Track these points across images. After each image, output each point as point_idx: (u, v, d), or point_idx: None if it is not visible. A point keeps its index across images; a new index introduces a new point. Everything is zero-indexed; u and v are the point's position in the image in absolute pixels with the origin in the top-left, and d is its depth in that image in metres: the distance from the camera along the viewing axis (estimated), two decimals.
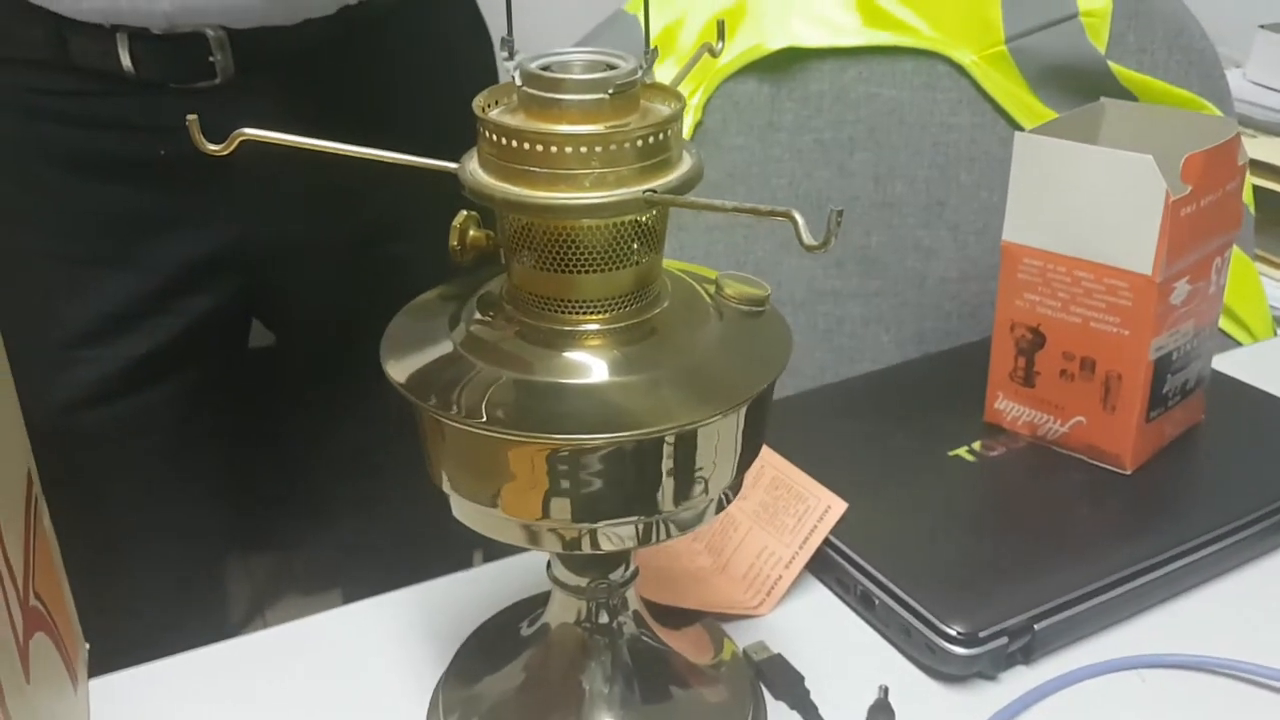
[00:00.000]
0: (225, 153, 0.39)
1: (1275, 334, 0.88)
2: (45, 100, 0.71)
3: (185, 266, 0.75)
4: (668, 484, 0.39)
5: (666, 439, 0.38)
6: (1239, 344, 0.84)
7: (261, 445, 0.93)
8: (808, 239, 0.31)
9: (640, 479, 0.38)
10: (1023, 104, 0.82)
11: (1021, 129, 0.82)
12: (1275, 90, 1.05)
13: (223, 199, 0.72)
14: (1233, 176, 0.59)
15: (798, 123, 0.81)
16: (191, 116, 0.38)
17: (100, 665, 0.54)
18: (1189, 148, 0.57)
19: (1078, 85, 0.81)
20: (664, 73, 0.79)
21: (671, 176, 0.38)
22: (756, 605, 0.57)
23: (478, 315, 0.42)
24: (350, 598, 1.03)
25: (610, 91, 0.37)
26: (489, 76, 0.81)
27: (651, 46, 0.39)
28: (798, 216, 0.31)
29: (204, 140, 0.38)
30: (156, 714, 0.52)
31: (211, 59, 0.69)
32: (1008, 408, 0.65)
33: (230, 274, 0.76)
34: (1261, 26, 1.07)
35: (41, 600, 0.44)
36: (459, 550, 0.95)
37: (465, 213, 0.42)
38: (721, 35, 0.46)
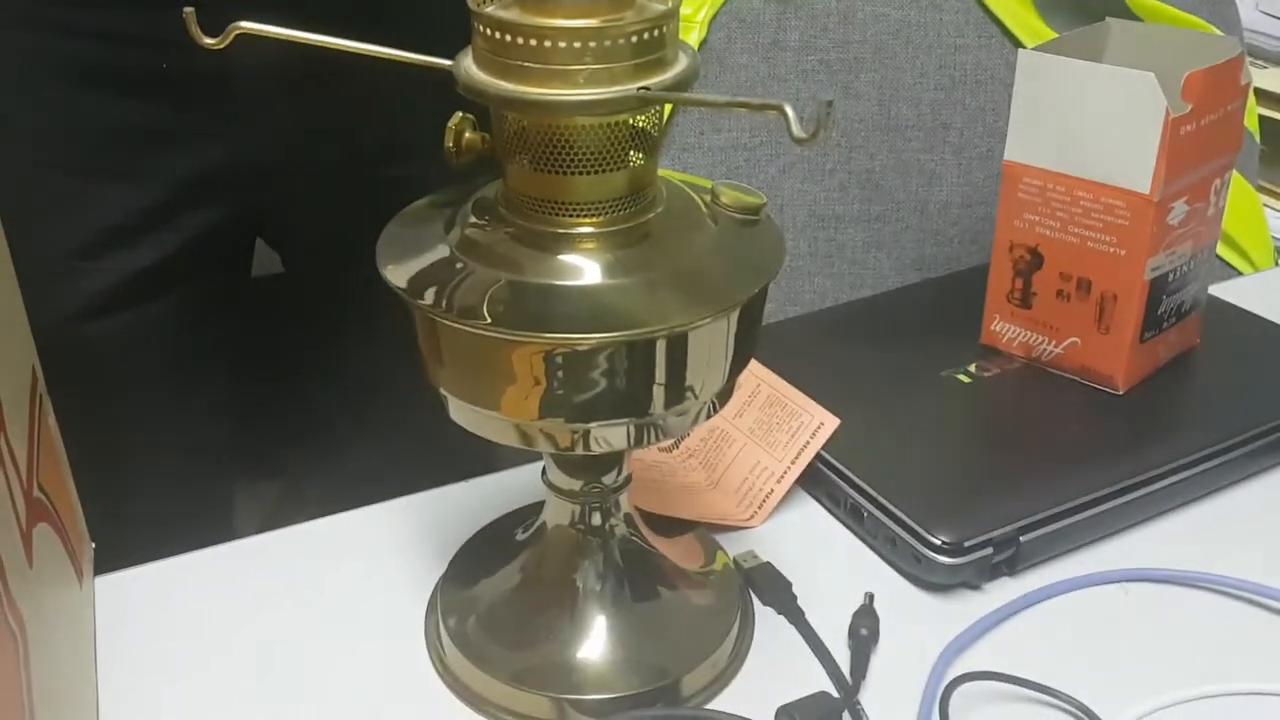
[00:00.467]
0: (221, 46, 0.39)
1: (1276, 264, 0.88)
2: (46, 11, 0.70)
3: (186, 182, 0.75)
4: (659, 386, 0.39)
5: (658, 340, 0.38)
6: (1239, 273, 0.84)
7: (268, 367, 0.93)
8: (798, 131, 0.31)
9: (632, 380, 0.39)
10: (1029, 26, 0.81)
11: None
12: None
13: (225, 115, 0.72)
14: (1234, 96, 0.59)
15: (803, 42, 0.80)
16: (189, 10, 0.38)
17: (106, 568, 0.55)
18: (1192, 65, 0.57)
19: (1085, 8, 0.80)
20: None
21: (666, 75, 0.38)
22: (748, 518, 0.58)
23: (473, 219, 0.43)
24: None
25: None
26: None
27: None
28: (789, 109, 0.32)
29: (200, 33, 0.38)
30: (163, 611, 0.53)
31: None
32: (1004, 329, 0.66)
33: (232, 191, 0.76)
34: None
35: (45, 493, 0.45)
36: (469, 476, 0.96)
37: (461, 114, 0.42)
38: None
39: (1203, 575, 0.53)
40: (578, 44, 0.36)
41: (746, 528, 0.58)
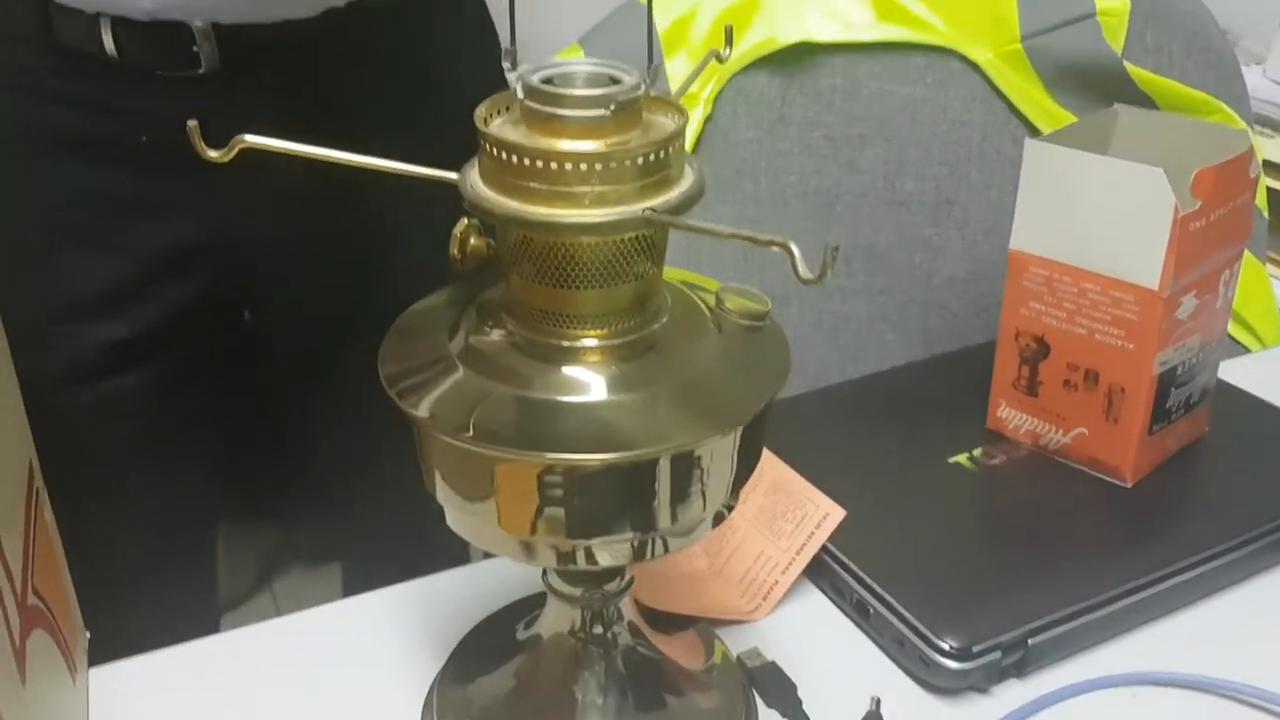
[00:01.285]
0: (226, 159, 0.38)
1: None
2: (29, 77, 0.70)
3: (167, 254, 0.74)
4: (663, 502, 0.39)
5: (662, 459, 0.38)
6: (1247, 350, 0.84)
7: (257, 434, 0.93)
8: (804, 272, 0.31)
9: (635, 498, 0.38)
10: (1037, 103, 0.81)
11: (1035, 128, 0.82)
12: None
13: (205, 189, 0.72)
14: (1244, 189, 0.58)
15: (808, 118, 0.80)
16: (192, 123, 0.38)
17: (100, 647, 0.54)
18: (1202, 159, 0.56)
19: (1093, 85, 0.81)
20: (675, 67, 0.79)
21: (672, 194, 0.38)
22: (752, 610, 0.57)
23: (476, 324, 0.42)
24: (351, 574, 1.03)
25: (612, 108, 0.37)
26: (495, 79, 0.80)
27: (655, 60, 0.39)
28: (794, 248, 0.31)
29: (205, 146, 0.38)
30: (155, 704, 0.52)
31: (196, 49, 0.68)
32: (1010, 416, 0.65)
33: (214, 265, 0.76)
34: None
35: (40, 596, 0.45)
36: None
37: (466, 221, 0.42)
38: (729, 41, 0.46)
39: (1210, 680, 0.52)
40: (584, 167, 0.36)
41: (750, 620, 0.57)
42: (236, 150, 0.38)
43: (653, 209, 0.37)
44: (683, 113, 0.39)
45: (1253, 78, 0.95)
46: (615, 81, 0.39)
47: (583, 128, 0.37)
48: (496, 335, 0.41)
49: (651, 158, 0.37)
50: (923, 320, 0.85)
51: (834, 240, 0.83)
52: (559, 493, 0.38)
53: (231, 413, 0.87)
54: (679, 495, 0.39)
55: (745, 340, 0.42)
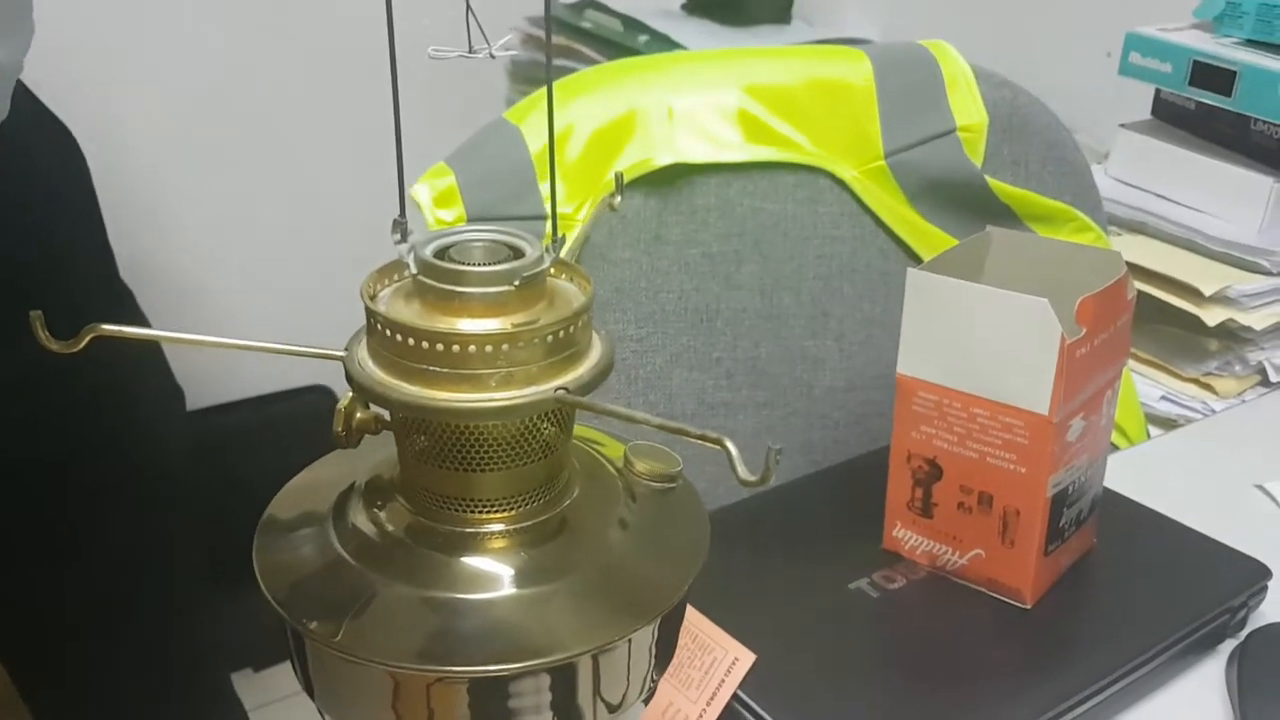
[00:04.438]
0: (75, 349, 0.35)
1: (1148, 436, 0.91)
2: None
3: None
4: (585, 701, 0.36)
5: (580, 662, 0.35)
6: (1116, 447, 0.86)
7: None
8: (744, 474, 0.29)
9: (549, 704, 0.35)
10: (902, 218, 0.82)
11: (901, 241, 0.83)
12: (1137, 188, 1.09)
13: None
14: (1123, 311, 0.60)
15: (684, 236, 0.80)
16: (36, 312, 0.34)
17: None
18: (1077, 281, 0.58)
19: (956, 198, 0.82)
20: (547, 188, 0.77)
21: (582, 369, 0.36)
22: None
23: (365, 507, 0.39)
24: None
25: (517, 283, 0.35)
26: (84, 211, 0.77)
27: (558, 235, 0.37)
28: (731, 447, 0.29)
29: (50, 336, 0.34)
30: None
31: None
32: (906, 536, 0.64)
33: None
34: (1122, 126, 1.11)
35: None
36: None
37: (350, 394, 0.39)
38: (620, 189, 0.44)
39: None
40: (489, 348, 0.34)
41: None
42: (87, 340, 0.35)
43: (565, 388, 0.34)
44: (588, 281, 0.37)
45: (1099, 179, 0.99)
46: (516, 252, 0.36)
47: (486, 305, 0.35)
48: (389, 520, 0.38)
49: (561, 334, 0.35)
50: (805, 432, 0.85)
51: (716, 354, 0.82)
52: (462, 706, 0.35)
53: None
54: (599, 692, 0.36)
55: (659, 506, 0.40)
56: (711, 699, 0.55)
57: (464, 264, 0.35)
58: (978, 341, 0.58)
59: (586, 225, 0.45)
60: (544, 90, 0.77)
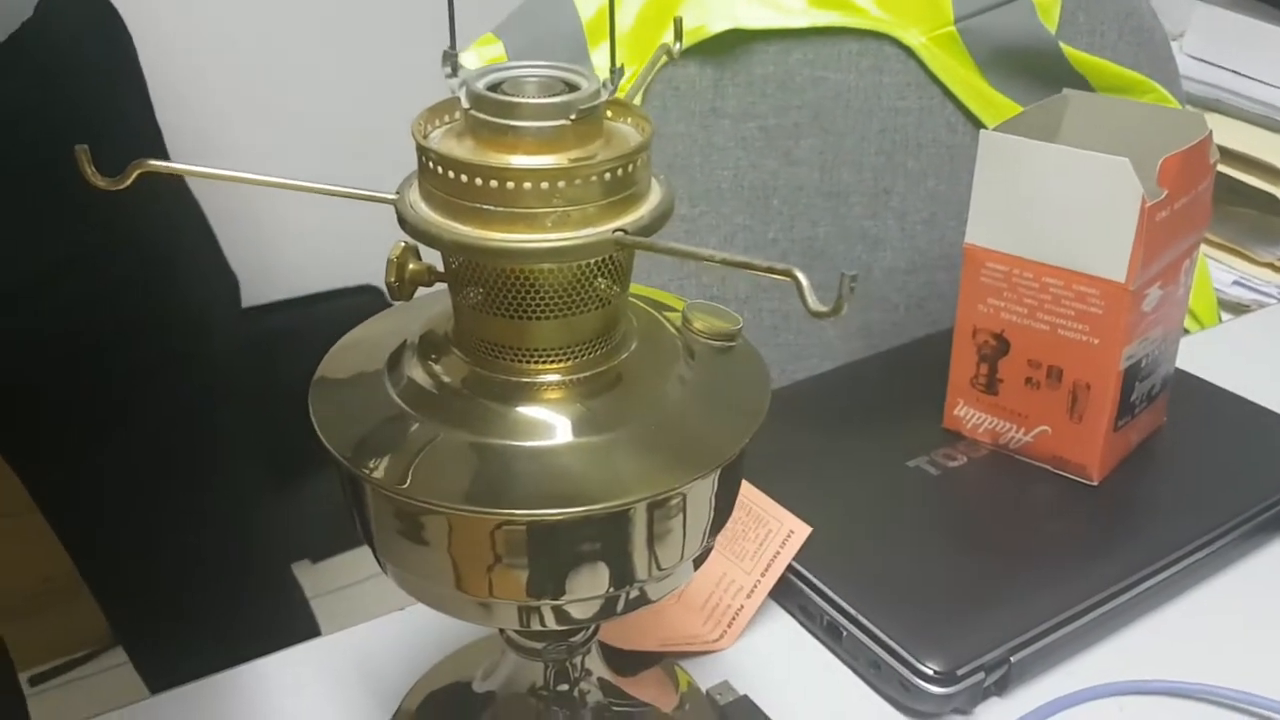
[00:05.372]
0: (122, 186, 0.33)
1: (1219, 320, 0.88)
2: None
3: None
4: (638, 554, 0.35)
5: (636, 510, 0.34)
6: (1186, 331, 0.83)
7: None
8: (814, 304, 0.28)
9: (606, 552, 0.35)
10: (971, 87, 0.79)
11: (970, 113, 0.80)
12: (1214, 65, 1.04)
13: None
14: (1205, 176, 0.57)
15: (741, 108, 0.77)
16: (81, 146, 0.33)
17: None
18: (1157, 143, 0.54)
19: (1028, 67, 0.79)
20: (599, 58, 0.74)
21: (642, 211, 0.34)
22: (717, 639, 0.54)
23: (420, 360, 0.38)
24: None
25: (573, 117, 0.33)
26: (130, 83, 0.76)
27: (617, 65, 0.35)
28: (801, 278, 0.28)
29: (96, 172, 0.33)
30: None
31: None
32: (968, 414, 0.63)
33: None
34: None
35: None
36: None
37: (403, 244, 0.37)
38: (679, 35, 0.42)
39: (1195, 686, 0.50)
40: (545, 185, 0.32)
41: (715, 650, 0.54)
42: (134, 175, 0.33)
43: (624, 230, 0.33)
44: (648, 121, 0.35)
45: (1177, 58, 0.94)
46: (571, 87, 0.35)
47: (541, 141, 0.33)
48: (444, 371, 0.37)
49: (619, 172, 0.33)
50: (863, 314, 0.82)
51: (771, 234, 0.80)
52: (522, 550, 0.34)
53: None
54: (654, 545, 0.35)
55: (717, 364, 0.39)
56: (766, 570, 0.55)
57: (517, 97, 0.33)
58: (1053, 207, 0.55)
59: (644, 72, 0.42)
60: None
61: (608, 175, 0.33)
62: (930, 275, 0.83)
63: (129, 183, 0.33)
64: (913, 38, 0.78)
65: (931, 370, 0.64)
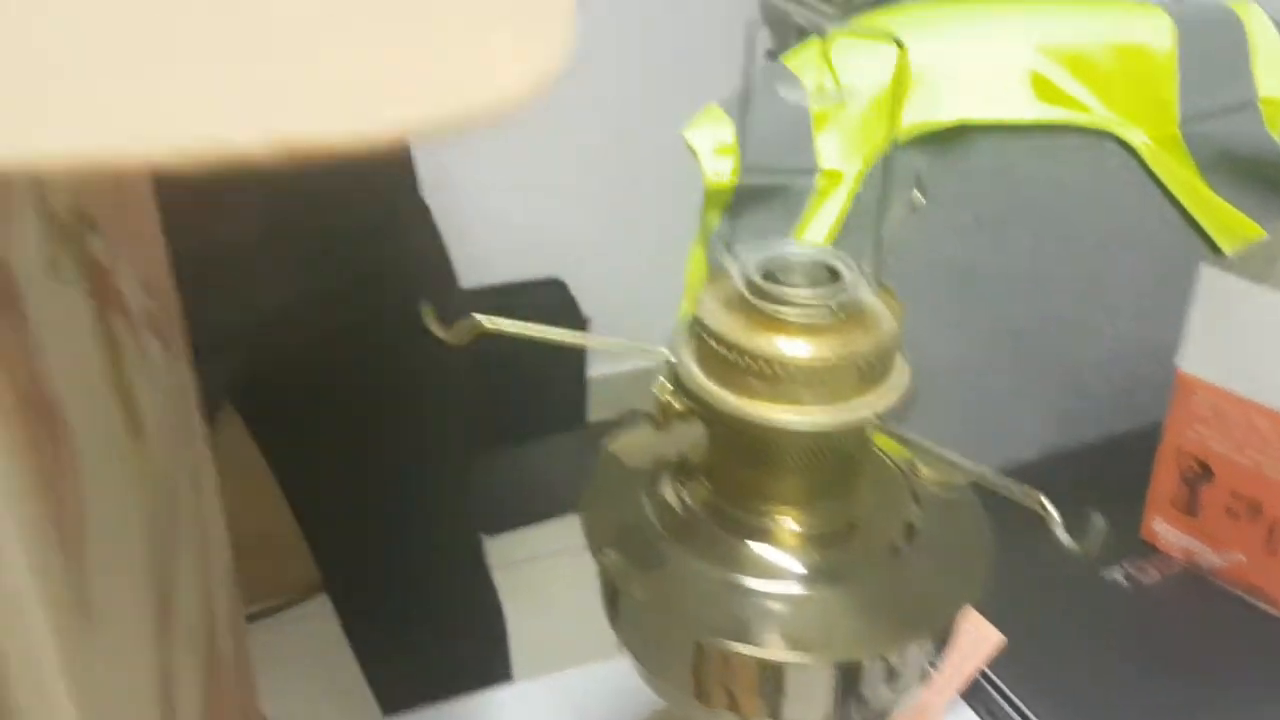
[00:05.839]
0: (462, 342, 0.39)
1: None
2: None
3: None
4: (859, 697, 0.39)
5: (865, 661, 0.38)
6: None
7: None
8: (1065, 540, 0.31)
9: (833, 694, 0.39)
10: (1192, 189, 0.79)
11: (1188, 214, 0.80)
12: None
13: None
14: None
15: (956, 197, 0.79)
16: (428, 307, 0.39)
17: None
18: None
19: (1252, 174, 0.78)
20: (824, 141, 0.78)
21: (892, 394, 0.38)
22: None
23: (674, 484, 0.43)
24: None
25: (835, 307, 0.37)
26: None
27: (880, 252, 0.39)
28: (1051, 509, 0.31)
29: (440, 326, 0.39)
30: None
31: None
32: (1165, 530, 0.64)
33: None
34: None
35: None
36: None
37: (671, 390, 0.42)
38: (923, 190, 0.46)
39: None
40: (810, 372, 0.36)
41: None
42: (474, 334, 0.39)
43: (879, 415, 0.37)
44: (899, 303, 0.39)
45: None
46: (833, 273, 0.39)
47: (806, 329, 0.37)
48: (695, 498, 0.42)
49: (875, 361, 0.37)
50: (1065, 402, 0.84)
51: (979, 320, 0.82)
52: (756, 682, 0.39)
53: None
54: (875, 685, 0.40)
55: (944, 517, 0.43)
56: (956, 673, 0.58)
57: (785, 284, 0.38)
58: (1267, 348, 0.56)
59: (884, 228, 0.46)
60: (816, 38, 0.77)
61: (863, 364, 0.37)
62: (1135, 365, 0.83)
63: (464, 342, 0.39)
64: (1136, 137, 0.79)
65: (1129, 472, 0.66)
